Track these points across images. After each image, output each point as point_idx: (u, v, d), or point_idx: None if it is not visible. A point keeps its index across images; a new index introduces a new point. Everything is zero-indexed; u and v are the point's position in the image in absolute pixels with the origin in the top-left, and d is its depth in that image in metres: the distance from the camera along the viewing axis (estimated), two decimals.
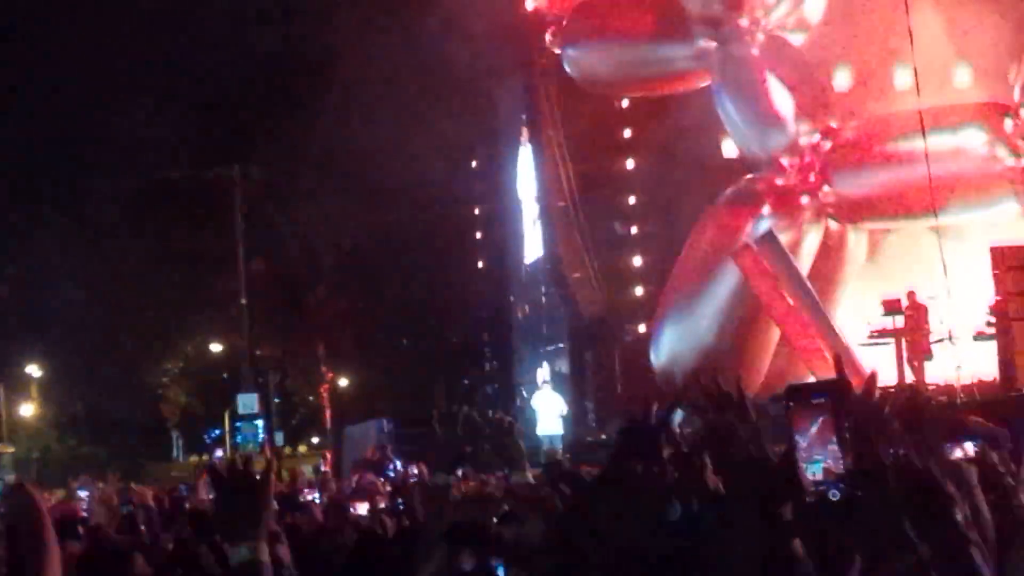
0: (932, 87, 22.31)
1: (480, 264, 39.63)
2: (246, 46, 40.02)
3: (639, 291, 29.87)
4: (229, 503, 3.20)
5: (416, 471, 20.08)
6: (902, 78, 23.16)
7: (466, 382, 39.72)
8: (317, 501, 14.27)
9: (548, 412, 28.05)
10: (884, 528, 2.99)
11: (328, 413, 44.09)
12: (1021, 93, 23.12)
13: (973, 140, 22.95)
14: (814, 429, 2.99)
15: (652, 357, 25.07)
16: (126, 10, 40.86)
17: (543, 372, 32.06)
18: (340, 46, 34.08)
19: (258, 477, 3.22)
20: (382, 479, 19.93)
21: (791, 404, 3.08)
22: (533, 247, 33.92)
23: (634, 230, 30.49)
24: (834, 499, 2.96)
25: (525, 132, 32.99)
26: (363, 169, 34.63)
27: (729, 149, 26.12)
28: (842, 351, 21.12)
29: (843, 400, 3.07)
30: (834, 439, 3.05)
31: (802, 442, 2.99)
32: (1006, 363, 19.64)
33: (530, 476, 18.32)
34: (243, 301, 37.34)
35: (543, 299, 33.84)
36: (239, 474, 3.23)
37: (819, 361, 20.86)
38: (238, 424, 37.10)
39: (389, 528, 9.78)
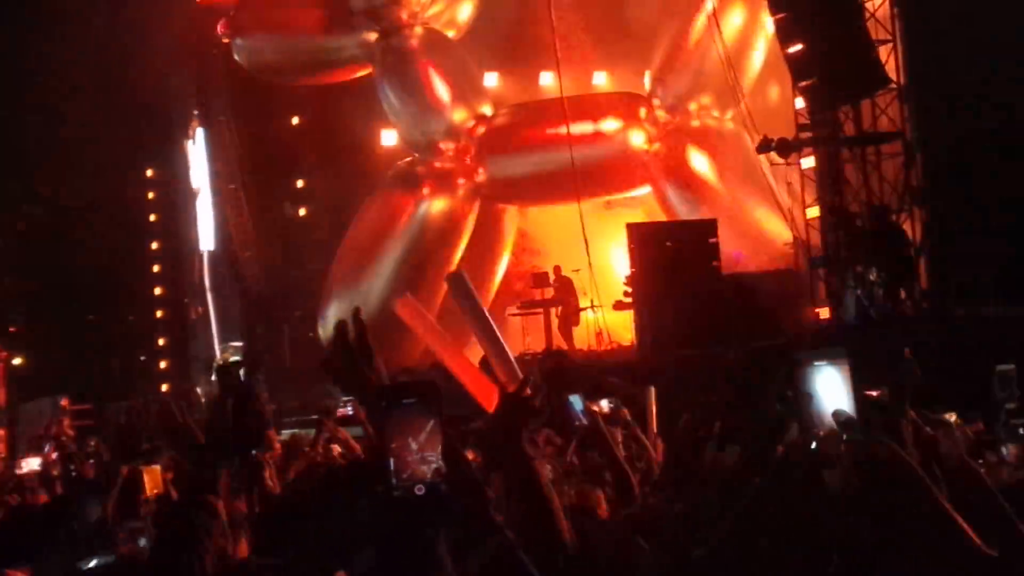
0: (574, 90, 24.83)
1: (155, 245, 39.81)
2: None
3: (309, 269, 30.79)
4: None
5: (93, 443, 20.67)
6: (547, 80, 25.64)
7: (143, 358, 39.92)
8: None
9: None
10: (470, 515, 3.13)
11: (2, 392, 43.16)
12: (651, 85, 25.36)
13: (611, 127, 24.94)
14: (425, 432, 2.99)
15: (320, 331, 25.91)
16: None
17: (217, 346, 32.76)
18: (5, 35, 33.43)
19: None
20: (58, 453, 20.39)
21: (385, 404, 3.03)
22: (207, 231, 34.50)
23: (303, 211, 31.41)
24: (419, 493, 2.94)
25: (197, 120, 33.46)
26: (36, 148, 34.30)
27: (387, 139, 27.32)
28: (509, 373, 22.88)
29: (436, 402, 3.04)
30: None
31: (413, 444, 2.97)
32: (640, 330, 20.90)
33: None
34: None
35: (213, 278, 34.52)
36: None
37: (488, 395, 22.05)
38: None
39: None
